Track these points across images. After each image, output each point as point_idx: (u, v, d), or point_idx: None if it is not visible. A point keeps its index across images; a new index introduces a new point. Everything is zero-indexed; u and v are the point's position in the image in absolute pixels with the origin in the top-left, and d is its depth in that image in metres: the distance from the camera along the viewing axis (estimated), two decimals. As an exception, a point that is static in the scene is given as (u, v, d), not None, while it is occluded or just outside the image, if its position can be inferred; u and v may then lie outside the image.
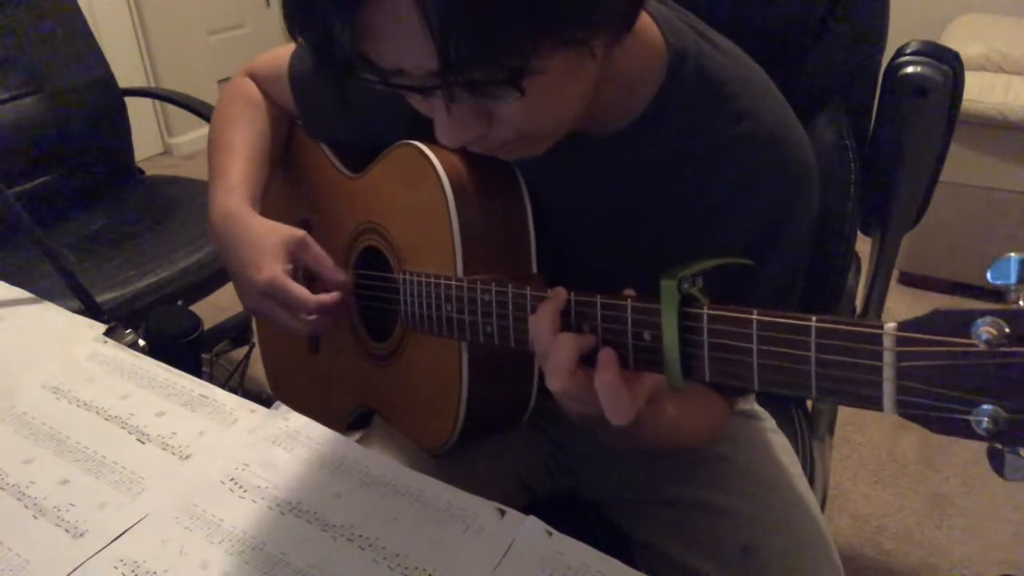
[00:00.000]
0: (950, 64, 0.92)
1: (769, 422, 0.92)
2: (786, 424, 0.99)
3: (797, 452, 0.91)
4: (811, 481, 0.91)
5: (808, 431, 1.02)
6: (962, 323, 0.41)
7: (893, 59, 0.94)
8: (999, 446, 0.42)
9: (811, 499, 0.84)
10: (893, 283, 1.14)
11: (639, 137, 0.69)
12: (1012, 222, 2.17)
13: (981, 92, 2.07)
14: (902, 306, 2.31)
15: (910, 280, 2.39)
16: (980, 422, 0.41)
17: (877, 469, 1.78)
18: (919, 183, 1.01)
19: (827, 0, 0.89)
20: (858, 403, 0.46)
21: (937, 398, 0.42)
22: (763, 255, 0.70)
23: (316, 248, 0.82)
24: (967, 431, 0.42)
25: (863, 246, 1.05)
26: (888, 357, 0.44)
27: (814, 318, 0.47)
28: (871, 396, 0.45)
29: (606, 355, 0.57)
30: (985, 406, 0.41)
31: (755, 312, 0.50)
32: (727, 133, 0.68)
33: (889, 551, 1.59)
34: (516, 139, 0.62)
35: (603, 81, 0.62)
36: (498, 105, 0.57)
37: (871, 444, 1.84)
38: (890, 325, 0.44)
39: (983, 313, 0.40)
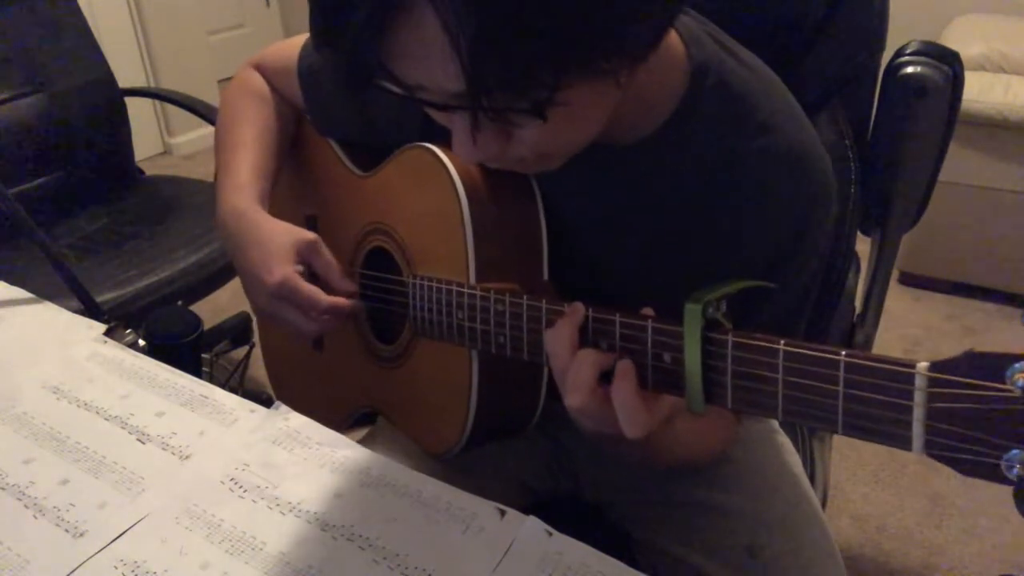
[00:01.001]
0: (950, 64, 0.92)
1: (772, 423, 0.92)
2: (787, 424, 0.99)
3: (797, 452, 0.91)
4: (811, 481, 0.91)
5: (808, 431, 1.02)
6: (996, 367, 0.40)
7: (893, 59, 0.94)
8: None
9: (814, 499, 0.84)
10: (893, 283, 1.14)
11: (658, 149, 0.69)
12: (1012, 222, 2.17)
13: (981, 92, 2.07)
14: (902, 306, 2.31)
15: (910, 280, 2.39)
16: (1012, 468, 0.40)
17: (877, 469, 1.78)
18: (919, 183, 1.01)
19: (827, 0, 0.89)
20: (885, 441, 0.45)
21: (967, 441, 0.42)
22: (777, 272, 0.69)
23: (326, 253, 0.82)
24: (996, 475, 0.41)
25: (863, 246, 1.05)
26: (919, 397, 0.43)
27: (843, 352, 0.46)
28: (899, 435, 0.44)
29: (624, 366, 0.56)
30: (1016, 451, 0.40)
31: (782, 342, 0.49)
32: (746, 146, 0.68)
33: (889, 551, 1.59)
34: (532, 158, 0.62)
35: (625, 96, 0.62)
36: (517, 128, 0.57)
37: (871, 444, 1.83)
38: (922, 364, 0.43)
39: (1018, 358, 0.40)
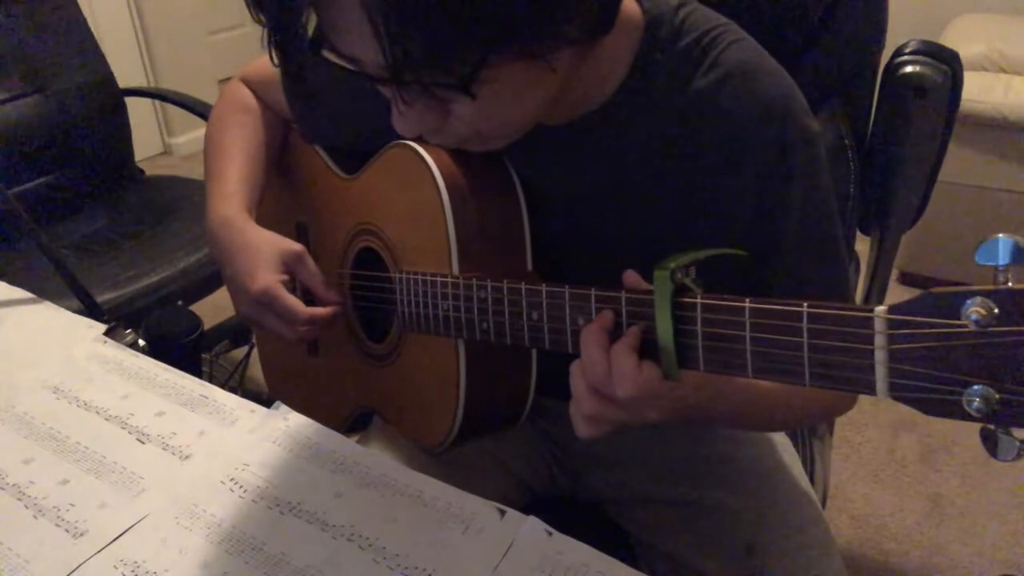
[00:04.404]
0: (949, 64, 0.92)
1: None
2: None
3: (797, 452, 0.91)
4: (811, 481, 0.91)
5: (808, 431, 1.02)
6: (952, 304, 0.41)
7: (892, 58, 0.94)
8: (992, 427, 0.42)
9: (813, 498, 0.84)
10: (893, 283, 1.14)
11: (618, 111, 0.69)
12: (1012, 222, 2.17)
13: (981, 92, 2.07)
14: (902, 306, 2.31)
15: (910, 280, 2.39)
16: (972, 403, 0.41)
17: (877, 469, 1.78)
18: (918, 183, 1.01)
19: (827, 0, 0.89)
20: (851, 387, 0.46)
21: (929, 380, 0.42)
22: (777, 209, 0.67)
23: (311, 264, 0.83)
24: (960, 412, 0.42)
25: (862, 246, 1.05)
26: (880, 340, 0.44)
27: (806, 304, 0.47)
28: (864, 380, 0.45)
29: (631, 331, 0.57)
30: (976, 387, 0.41)
31: (748, 300, 0.50)
32: (701, 84, 0.67)
33: (889, 551, 1.59)
34: (472, 136, 0.62)
35: (578, 69, 0.62)
36: (451, 104, 0.58)
37: (871, 444, 1.84)
38: (881, 308, 0.44)
39: (973, 294, 0.40)
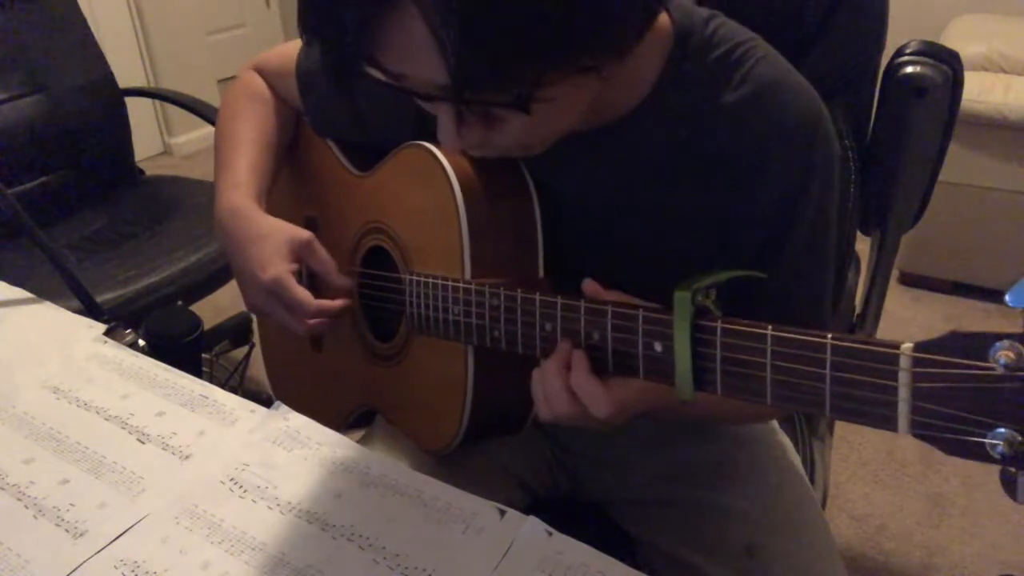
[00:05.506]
0: (949, 64, 0.92)
1: (772, 423, 0.92)
2: (786, 424, 0.99)
3: (797, 452, 0.91)
4: (811, 481, 0.91)
5: (808, 431, 1.02)
6: (980, 346, 0.41)
7: (893, 59, 0.94)
8: (1013, 470, 0.42)
9: (815, 500, 0.84)
10: (893, 283, 1.14)
11: (643, 120, 0.69)
12: (1012, 222, 2.17)
13: (981, 92, 2.07)
14: (901, 306, 2.31)
15: (910, 280, 2.39)
16: (996, 446, 0.41)
17: (877, 469, 1.78)
18: (918, 183, 1.01)
19: (827, 0, 0.89)
20: (872, 422, 0.46)
21: (952, 420, 0.42)
22: (793, 224, 0.68)
23: (322, 251, 0.82)
24: (982, 454, 0.42)
25: (862, 246, 1.05)
26: (904, 378, 0.44)
27: (830, 336, 0.47)
28: (886, 416, 0.45)
29: (577, 356, 0.60)
30: (1001, 430, 0.41)
31: (770, 327, 0.50)
32: (729, 99, 0.67)
33: (889, 551, 1.59)
34: (515, 147, 0.63)
35: (610, 77, 0.62)
36: (500, 119, 0.58)
37: (871, 444, 1.84)
38: (907, 345, 0.44)
39: (1001, 337, 0.40)
